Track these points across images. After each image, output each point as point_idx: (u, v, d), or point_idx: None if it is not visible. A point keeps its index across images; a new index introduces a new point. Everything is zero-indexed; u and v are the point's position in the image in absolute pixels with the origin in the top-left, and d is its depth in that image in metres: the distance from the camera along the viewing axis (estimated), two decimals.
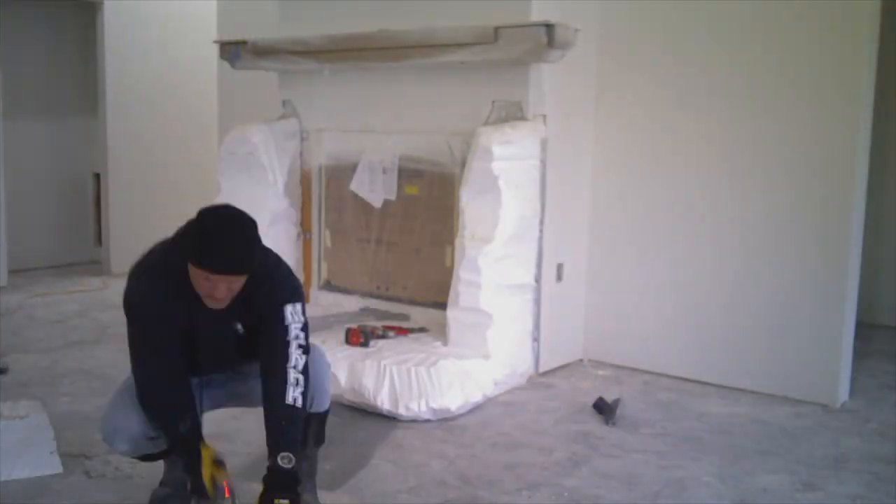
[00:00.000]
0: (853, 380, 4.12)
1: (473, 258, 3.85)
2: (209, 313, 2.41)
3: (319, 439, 2.76)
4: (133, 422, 2.52)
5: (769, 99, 4.00)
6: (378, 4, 4.48)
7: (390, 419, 3.56)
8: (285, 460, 2.35)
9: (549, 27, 3.78)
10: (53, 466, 2.99)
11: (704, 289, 4.24)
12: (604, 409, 3.71)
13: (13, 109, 6.43)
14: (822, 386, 3.93)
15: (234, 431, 3.43)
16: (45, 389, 3.89)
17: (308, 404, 2.49)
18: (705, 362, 4.24)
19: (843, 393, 3.96)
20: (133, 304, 2.46)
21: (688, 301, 4.29)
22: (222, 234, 2.31)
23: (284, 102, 5.01)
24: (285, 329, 2.43)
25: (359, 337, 3.99)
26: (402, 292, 4.61)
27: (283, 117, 4.98)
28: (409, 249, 4.56)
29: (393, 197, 4.54)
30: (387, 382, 3.59)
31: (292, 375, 2.41)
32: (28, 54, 6.73)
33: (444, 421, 3.56)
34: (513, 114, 4.10)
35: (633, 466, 3.17)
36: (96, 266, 6.90)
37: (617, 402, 3.79)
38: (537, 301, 4.22)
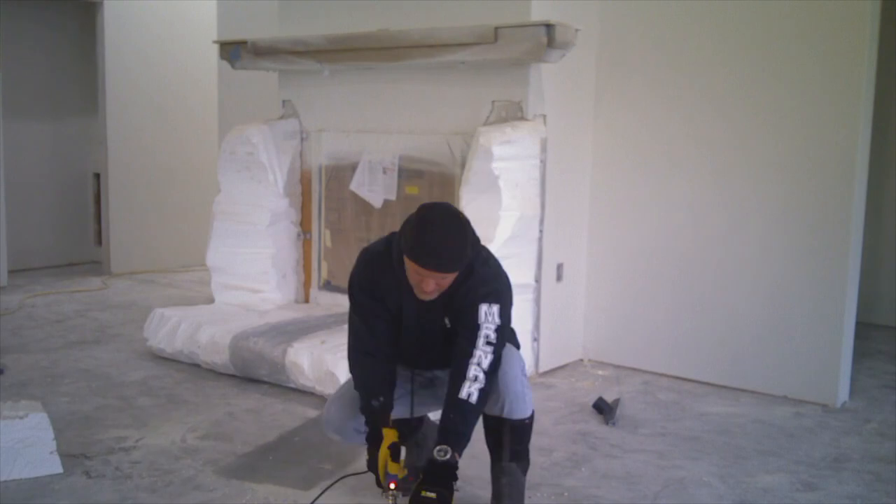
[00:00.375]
0: (853, 380, 4.12)
1: None
2: (419, 304, 2.52)
3: (519, 455, 2.67)
4: (343, 414, 2.67)
5: (769, 99, 4.00)
6: (378, 4, 4.48)
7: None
8: (441, 452, 2.37)
9: (549, 27, 3.78)
10: (53, 466, 2.98)
11: (704, 289, 4.24)
12: (604, 409, 3.71)
13: (13, 109, 6.44)
14: (822, 386, 3.93)
15: (233, 431, 3.43)
16: (45, 389, 3.90)
17: (498, 408, 2.54)
18: (705, 362, 4.24)
19: (843, 393, 3.97)
20: (352, 283, 2.65)
21: (688, 301, 4.29)
22: (435, 232, 2.38)
23: (284, 102, 5.01)
24: (477, 327, 2.46)
25: None
26: None
27: (283, 117, 4.98)
28: None
29: (393, 197, 4.54)
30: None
31: (472, 371, 2.43)
32: (28, 54, 6.74)
33: None
34: (513, 114, 4.10)
35: (633, 466, 3.17)
36: (96, 266, 6.91)
37: (617, 402, 3.79)
38: (537, 301, 4.22)
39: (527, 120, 4.07)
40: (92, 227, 7.20)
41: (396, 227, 4.65)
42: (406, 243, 2.39)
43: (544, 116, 4.14)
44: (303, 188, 4.95)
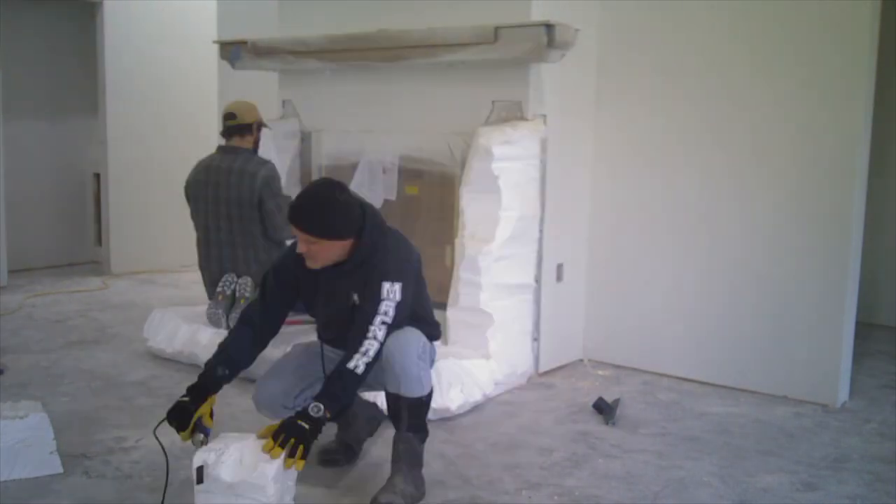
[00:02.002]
0: (853, 380, 4.12)
1: (473, 258, 3.85)
2: (328, 280, 2.76)
3: (416, 427, 2.81)
4: (277, 391, 2.86)
5: (769, 100, 4.00)
6: (378, 4, 4.48)
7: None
8: (315, 409, 2.51)
9: (549, 27, 3.78)
10: (53, 466, 2.98)
11: (704, 289, 4.24)
12: (604, 409, 3.71)
13: (13, 109, 6.44)
14: (822, 386, 3.93)
15: (233, 431, 3.42)
16: (45, 389, 3.89)
17: (394, 386, 2.72)
18: (705, 362, 4.24)
19: (843, 393, 3.97)
20: (273, 263, 2.94)
21: (688, 301, 4.29)
22: (306, 195, 2.70)
23: (284, 102, 5.01)
24: (378, 303, 2.63)
25: None
26: None
27: (283, 117, 4.98)
28: None
29: (393, 197, 4.54)
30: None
31: (366, 345, 2.59)
32: (28, 54, 6.74)
33: (444, 421, 3.55)
34: (513, 114, 4.10)
35: (633, 466, 3.17)
36: (96, 266, 6.91)
37: (617, 402, 3.79)
38: (537, 301, 4.22)
39: (527, 120, 4.06)
40: (92, 227, 7.20)
41: (397, 227, 4.67)
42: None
43: (544, 116, 4.14)
44: (303, 188, 4.94)
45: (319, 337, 3.01)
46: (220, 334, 4.19)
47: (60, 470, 2.99)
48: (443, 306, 4.02)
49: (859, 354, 4.29)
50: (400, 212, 4.54)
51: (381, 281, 2.66)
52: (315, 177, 4.91)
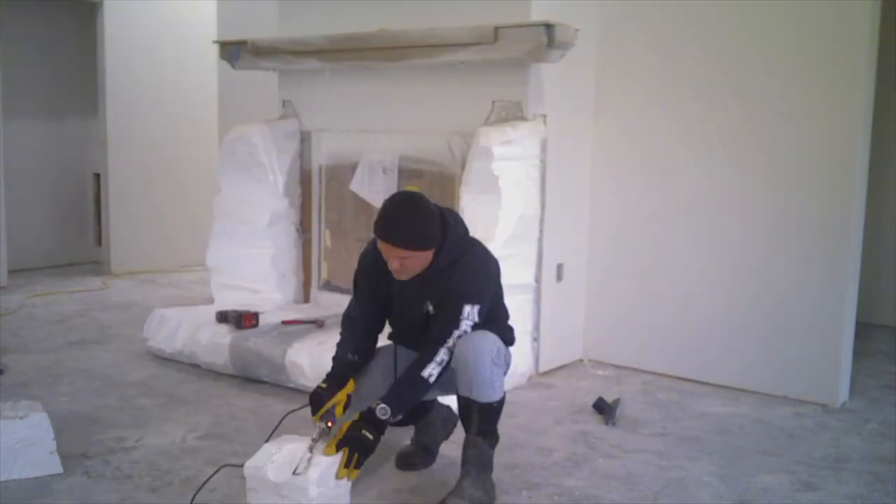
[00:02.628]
0: (853, 380, 4.12)
1: None
2: (403, 288, 2.78)
3: (486, 432, 2.80)
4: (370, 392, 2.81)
5: (768, 99, 4.00)
6: (378, 4, 4.48)
7: None
8: (382, 411, 2.61)
9: (549, 27, 3.78)
10: (53, 466, 2.98)
11: (704, 289, 4.24)
12: (604, 409, 3.71)
13: (13, 109, 6.44)
14: (822, 386, 3.93)
15: (233, 431, 3.43)
16: (45, 389, 3.90)
17: (466, 390, 2.70)
18: (705, 362, 4.24)
19: (843, 393, 3.97)
20: (359, 261, 2.95)
21: (688, 301, 4.29)
22: (391, 209, 2.68)
23: (284, 102, 5.01)
24: (457, 323, 2.68)
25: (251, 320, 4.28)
26: None
27: (283, 117, 4.98)
28: None
29: None
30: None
31: (441, 356, 2.66)
32: (28, 54, 6.74)
33: None
34: (513, 114, 4.10)
35: (633, 466, 3.16)
36: (96, 266, 6.91)
37: (617, 402, 3.79)
38: (537, 301, 4.22)
39: (527, 120, 4.06)
40: (92, 227, 7.20)
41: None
42: (374, 222, 2.68)
43: (544, 116, 4.14)
44: (303, 188, 4.95)
45: (390, 337, 3.01)
46: (216, 333, 4.22)
47: (60, 470, 2.99)
48: None
49: (859, 354, 4.29)
50: None
51: (462, 303, 2.68)
52: (315, 177, 4.91)
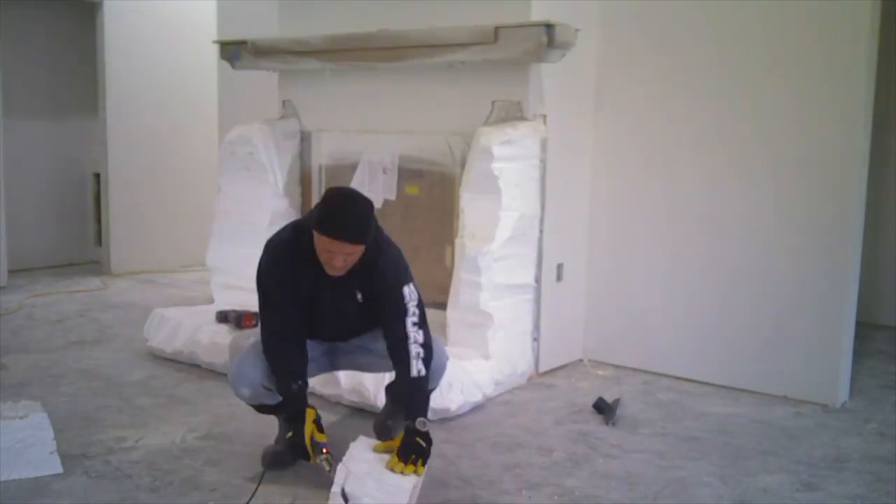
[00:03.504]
0: (853, 380, 4.12)
1: (473, 258, 3.85)
2: (332, 282, 2.81)
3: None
4: (256, 371, 2.88)
5: (769, 99, 4.00)
6: (378, 4, 4.48)
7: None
8: (421, 424, 2.71)
9: (549, 27, 3.78)
10: (53, 466, 2.99)
11: (705, 289, 4.24)
12: (604, 409, 3.71)
13: (13, 109, 6.44)
14: (822, 386, 3.93)
15: (233, 432, 3.43)
16: (45, 389, 3.89)
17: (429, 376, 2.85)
18: (705, 362, 4.24)
19: (843, 393, 3.97)
20: (260, 272, 2.89)
21: (688, 301, 4.29)
22: (340, 206, 2.70)
23: (284, 102, 5.01)
24: (405, 308, 2.80)
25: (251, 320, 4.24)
26: None
27: (283, 117, 4.98)
28: (409, 249, 4.51)
29: (393, 197, 4.54)
30: (387, 382, 3.59)
31: (414, 350, 2.78)
32: (28, 54, 6.74)
33: (444, 421, 3.55)
34: (513, 114, 4.10)
35: (633, 466, 3.17)
36: (96, 266, 6.91)
37: (617, 402, 3.79)
38: (537, 301, 4.22)
39: (527, 120, 4.07)
40: (92, 227, 7.20)
41: (396, 228, 4.69)
42: (316, 219, 2.69)
43: (544, 116, 4.14)
44: (303, 188, 4.95)
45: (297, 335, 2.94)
46: (216, 333, 4.22)
47: (60, 470, 2.99)
48: (443, 306, 4.02)
49: (859, 354, 4.29)
50: (400, 212, 4.54)
51: (401, 287, 2.81)
52: (315, 177, 4.91)
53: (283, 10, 4.96)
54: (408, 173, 4.49)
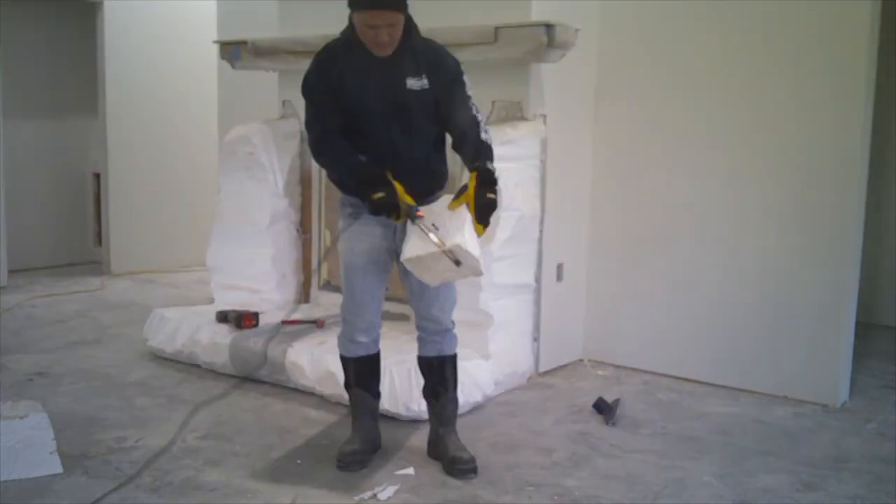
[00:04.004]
0: (853, 380, 4.12)
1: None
2: (380, 72, 2.80)
3: (456, 385, 3.18)
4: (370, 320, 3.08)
5: (769, 99, 4.00)
6: None
7: (390, 419, 3.56)
8: (491, 165, 2.78)
9: (549, 27, 3.78)
10: (53, 466, 2.99)
11: (704, 289, 4.24)
12: (604, 409, 3.71)
13: (13, 109, 6.44)
14: (822, 386, 3.93)
15: (233, 432, 3.43)
16: (45, 389, 3.89)
17: (437, 350, 3.08)
18: (705, 362, 4.24)
19: (843, 393, 3.97)
20: (305, 79, 2.89)
21: (688, 301, 4.29)
22: None
23: (284, 102, 5.01)
24: (469, 107, 2.86)
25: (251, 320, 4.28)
26: (401, 292, 4.57)
27: (283, 117, 4.98)
28: None
29: None
30: (387, 382, 3.58)
31: (482, 125, 2.85)
32: (28, 54, 6.74)
33: None
34: (513, 114, 4.10)
35: (633, 466, 3.17)
36: (96, 266, 6.91)
37: (617, 402, 3.79)
38: (537, 301, 4.22)
39: (527, 120, 4.06)
40: (92, 227, 7.20)
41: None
42: (350, 2, 2.72)
43: (544, 116, 4.14)
44: (303, 188, 4.95)
45: (362, 163, 2.85)
46: (216, 333, 4.22)
47: (60, 470, 2.99)
48: None
49: (859, 354, 4.29)
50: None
51: (462, 81, 2.88)
52: (315, 177, 4.91)
53: (283, 10, 4.96)
54: None
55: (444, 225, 2.73)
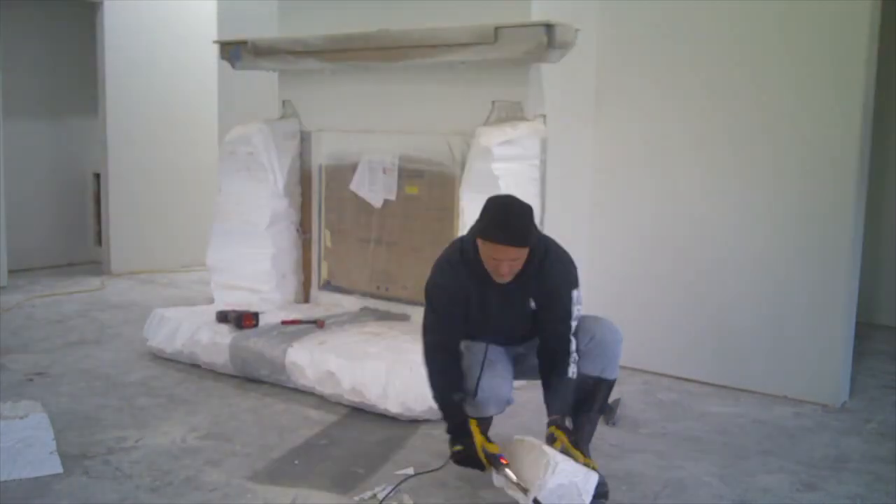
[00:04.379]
0: (853, 380, 4.12)
1: None
2: (502, 292, 2.81)
3: (603, 407, 3.11)
4: (503, 387, 2.93)
5: (769, 99, 4.00)
6: (378, 4, 4.48)
7: (390, 419, 3.56)
8: (567, 420, 2.81)
9: (549, 27, 3.78)
10: (53, 466, 2.99)
11: (704, 289, 4.24)
12: (604, 409, 3.70)
13: (13, 109, 6.43)
14: (822, 386, 3.93)
15: (233, 431, 3.43)
16: (45, 389, 3.89)
17: (599, 371, 2.94)
18: (705, 362, 4.24)
19: (843, 393, 3.97)
20: (428, 285, 2.91)
21: (688, 301, 4.28)
22: (501, 212, 2.72)
23: (284, 102, 5.01)
24: (569, 311, 2.83)
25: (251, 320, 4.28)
26: (402, 292, 4.61)
27: (283, 117, 4.98)
28: (409, 249, 4.56)
29: (393, 197, 4.54)
30: (387, 382, 3.59)
31: (573, 349, 2.83)
32: (28, 54, 6.74)
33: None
34: (513, 114, 4.09)
35: (633, 466, 3.16)
36: (96, 266, 6.90)
37: (617, 402, 3.78)
38: None
39: (527, 120, 4.06)
40: (92, 227, 7.20)
41: (396, 227, 4.69)
42: (479, 227, 2.72)
43: (544, 116, 4.14)
44: (303, 188, 4.95)
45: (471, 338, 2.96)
46: (216, 333, 4.22)
47: (60, 470, 2.99)
48: None
49: (859, 354, 4.29)
50: (400, 212, 4.55)
51: (570, 290, 2.84)
52: (315, 177, 4.91)
53: (282, 10, 4.96)
54: (408, 173, 4.49)
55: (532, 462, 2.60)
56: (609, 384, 3.00)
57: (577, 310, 2.85)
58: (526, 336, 2.98)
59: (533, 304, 2.85)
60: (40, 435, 3.01)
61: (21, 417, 2.99)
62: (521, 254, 2.70)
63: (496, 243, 2.66)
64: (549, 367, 2.86)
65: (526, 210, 2.74)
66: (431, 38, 4.09)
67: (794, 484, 3.04)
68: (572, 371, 2.82)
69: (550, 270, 2.82)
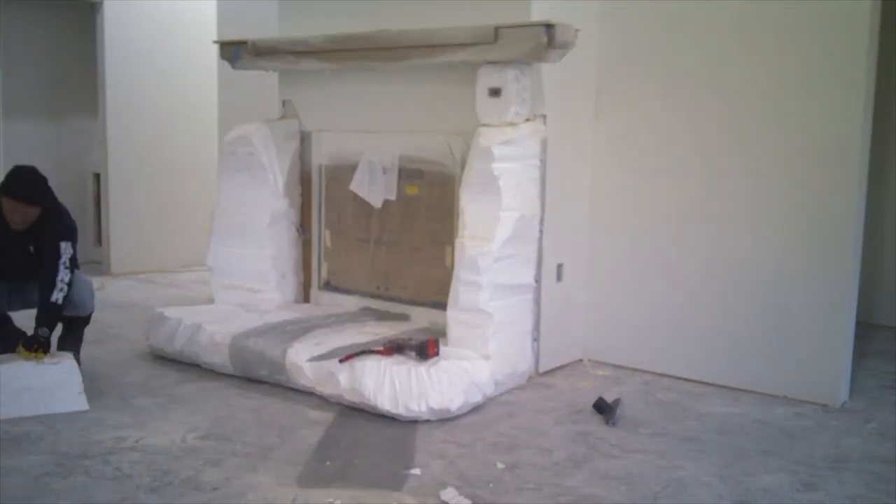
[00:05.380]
0: (853, 380, 4.12)
1: (473, 258, 3.85)
2: (13, 238, 3.82)
3: (79, 338, 4.17)
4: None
5: (769, 99, 4.00)
6: (378, 4, 4.48)
7: (390, 419, 3.56)
8: (44, 332, 3.72)
9: (549, 27, 3.78)
10: (81, 405, 3.59)
11: (704, 289, 4.24)
12: (604, 409, 3.71)
13: (13, 109, 6.43)
14: (822, 386, 3.93)
15: (233, 431, 3.43)
16: None
17: (72, 309, 3.95)
18: (705, 362, 4.24)
19: (843, 393, 3.97)
20: None
21: (688, 301, 4.29)
22: (19, 175, 3.83)
23: (284, 102, 5.01)
24: (59, 256, 3.78)
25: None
26: (402, 292, 4.61)
27: (283, 117, 4.98)
28: (409, 249, 4.56)
29: (393, 197, 4.54)
30: (387, 382, 3.59)
31: (59, 284, 3.76)
32: (28, 54, 6.74)
33: (444, 421, 3.56)
34: None
35: (633, 466, 3.17)
36: (96, 266, 6.90)
37: (617, 402, 3.79)
38: (537, 301, 4.22)
39: (527, 120, 4.06)
40: (92, 227, 7.19)
41: (396, 227, 4.70)
42: (2, 186, 3.78)
43: (544, 116, 4.14)
44: (303, 188, 4.95)
45: None
46: (216, 333, 4.22)
47: (87, 407, 3.56)
48: (443, 306, 4.03)
49: (859, 354, 4.29)
50: (400, 212, 4.55)
51: (59, 241, 3.80)
52: (315, 177, 4.92)
53: (283, 10, 4.97)
54: (408, 173, 4.49)
55: None
56: (84, 319, 4.13)
57: (66, 256, 3.79)
58: (26, 272, 3.90)
59: (32, 249, 3.84)
60: (70, 378, 3.64)
61: (55, 363, 3.66)
62: (31, 210, 3.74)
63: (12, 198, 3.71)
64: (41, 294, 3.75)
65: (39, 179, 3.82)
66: (431, 39, 4.09)
67: (794, 484, 3.05)
68: (55, 297, 3.73)
69: (51, 224, 3.80)
